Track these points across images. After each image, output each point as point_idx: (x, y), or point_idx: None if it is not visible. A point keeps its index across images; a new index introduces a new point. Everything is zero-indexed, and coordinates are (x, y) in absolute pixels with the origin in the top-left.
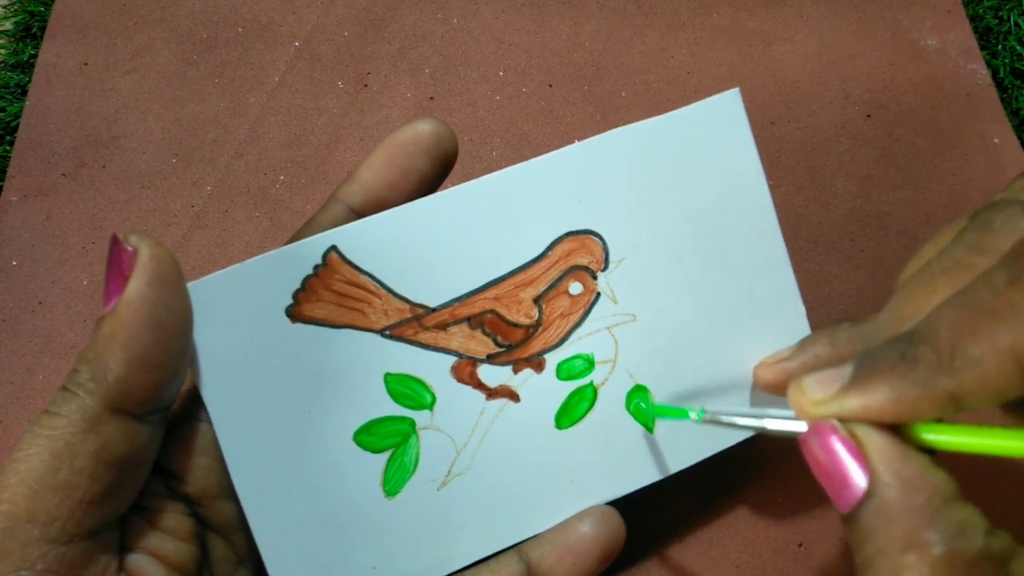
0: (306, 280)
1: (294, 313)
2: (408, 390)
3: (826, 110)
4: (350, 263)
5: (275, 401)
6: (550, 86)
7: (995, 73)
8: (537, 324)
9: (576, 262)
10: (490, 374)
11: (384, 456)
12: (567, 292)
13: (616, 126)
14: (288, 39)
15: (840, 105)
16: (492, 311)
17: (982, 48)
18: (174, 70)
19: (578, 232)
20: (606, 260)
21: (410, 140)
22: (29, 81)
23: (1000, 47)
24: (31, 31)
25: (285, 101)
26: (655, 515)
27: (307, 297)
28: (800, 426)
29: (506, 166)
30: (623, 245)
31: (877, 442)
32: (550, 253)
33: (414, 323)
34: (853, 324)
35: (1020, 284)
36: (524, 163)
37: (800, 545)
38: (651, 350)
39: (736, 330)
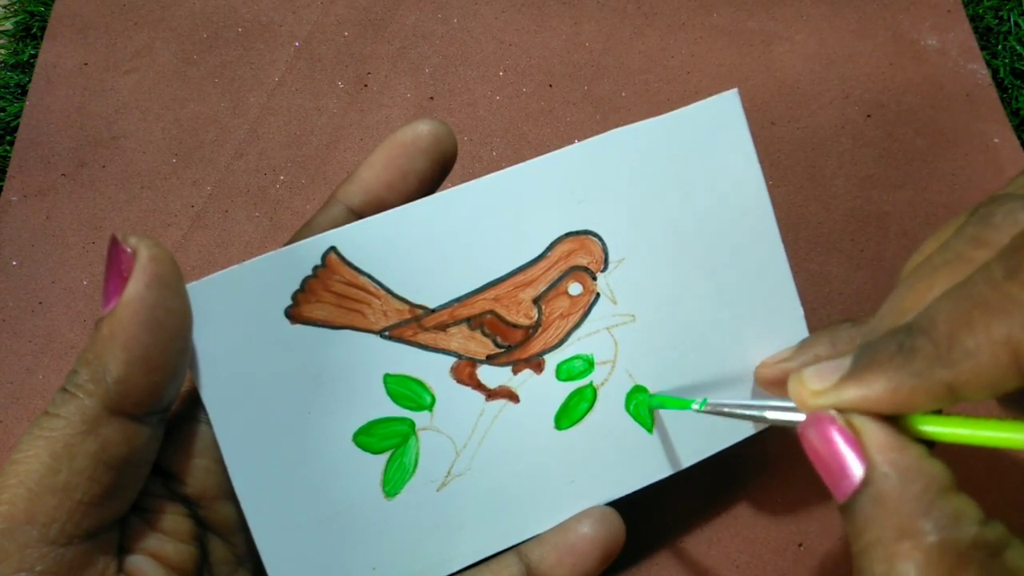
0: (305, 281)
1: (293, 314)
2: (408, 391)
3: (826, 110)
4: (349, 264)
5: (274, 402)
6: (550, 86)
7: (995, 73)
8: (537, 325)
9: (576, 263)
10: (490, 375)
11: (384, 457)
12: (567, 293)
13: (616, 126)
14: (288, 39)
15: (840, 105)
16: (492, 312)
17: (982, 48)
18: (174, 70)
19: (577, 233)
20: (605, 261)
21: (409, 141)
22: (29, 81)
23: (1000, 47)
24: (31, 31)
25: (285, 101)
26: (655, 515)
27: (306, 298)
28: (800, 416)
29: (506, 166)
30: (622, 246)
31: (874, 432)
32: (550, 254)
33: (413, 324)
34: (854, 324)
35: (1017, 277)
36: (523, 164)
37: (800, 545)
38: (650, 350)
39: (734, 330)
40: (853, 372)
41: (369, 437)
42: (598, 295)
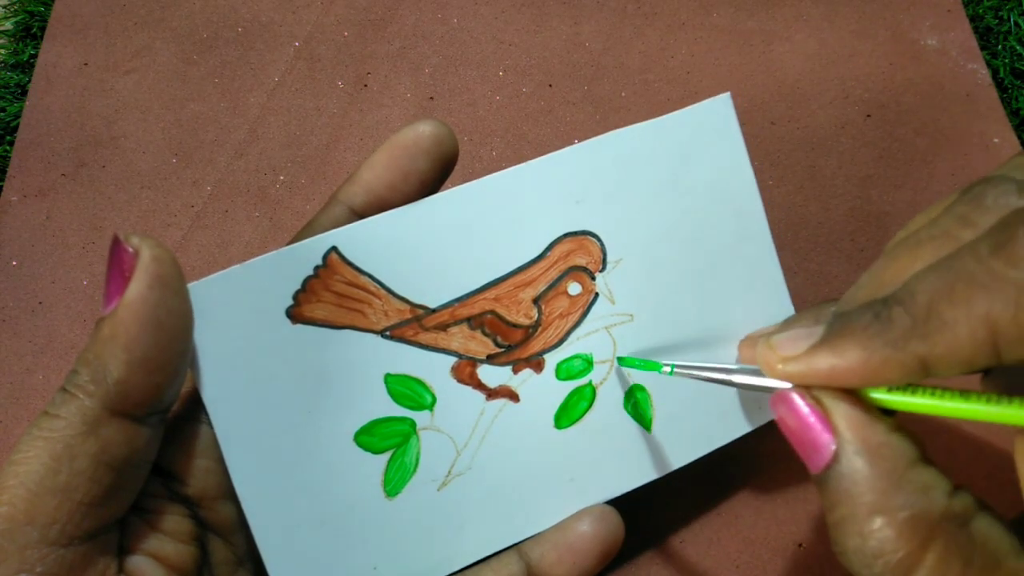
0: (306, 281)
1: (294, 314)
2: (408, 391)
3: (826, 110)
4: (350, 264)
5: (275, 402)
6: (550, 86)
7: (995, 73)
8: (536, 324)
9: (575, 263)
10: (490, 374)
11: (384, 457)
12: (566, 292)
13: (616, 126)
14: (288, 39)
15: (840, 105)
16: (492, 312)
17: (982, 48)
18: (174, 70)
19: (576, 233)
20: (604, 261)
21: (411, 142)
22: (29, 81)
23: (1000, 47)
24: (31, 31)
25: (285, 101)
26: (655, 515)
27: (307, 298)
28: (767, 383)
29: (506, 166)
30: (620, 246)
31: (842, 409)
32: (549, 254)
33: (414, 324)
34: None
35: (1002, 254)
36: (523, 164)
37: (800, 545)
38: (648, 349)
39: (729, 329)
40: (825, 340)
41: (370, 437)
42: (597, 295)
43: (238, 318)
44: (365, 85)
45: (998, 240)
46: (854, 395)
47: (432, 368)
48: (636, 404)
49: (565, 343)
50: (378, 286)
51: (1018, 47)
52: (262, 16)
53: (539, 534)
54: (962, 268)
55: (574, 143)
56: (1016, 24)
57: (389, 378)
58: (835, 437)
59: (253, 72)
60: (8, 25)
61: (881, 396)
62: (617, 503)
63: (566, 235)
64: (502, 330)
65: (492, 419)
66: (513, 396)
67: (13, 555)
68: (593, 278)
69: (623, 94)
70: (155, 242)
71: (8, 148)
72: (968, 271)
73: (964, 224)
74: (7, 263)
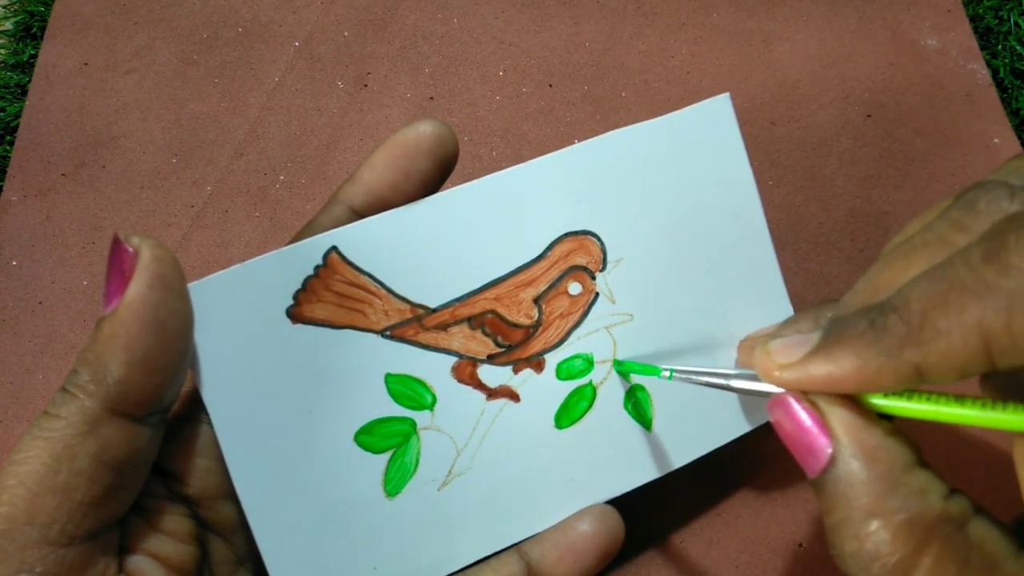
0: (307, 281)
1: (295, 314)
2: (409, 390)
3: (826, 110)
4: (351, 264)
5: (276, 402)
6: (550, 86)
7: (995, 73)
8: (537, 324)
9: (575, 262)
10: (490, 374)
11: (385, 456)
12: (566, 292)
13: (616, 126)
14: (288, 39)
15: (840, 105)
16: (492, 311)
17: (982, 48)
18: (174, 70)
19: (577, 233)
20: (604, 260)
21: (411, 142)
22: (29, 81)
23: (1000, 47)
24: (31, 31)
25: (285, 101)
26: (655, 515)
27: (308, 298)
28: (764, 388)
29: (506, 166)
30: (620, 245)
31: (839, 413)
32: (549, 253)
33: (415, 323)
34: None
35: (994, 261)
36: (523, 164)
37: (800, 545)
38: (648, 349)
39: (728, 329)
40: (821, 347)
41: (370, 436)
42: (597, 294)
43: (238, 318)
44: (365, 85)
45: (989, 248)
46: (850, 399)
47: (432, 368)
48: (637, 404)
49: (566, 343)
50: (378, 286)
51: (1018, 47)
52: (262, 16)
53: (539, 534)
54: (955, 276)
55: (574, 143)
56: (1016, 24)
57: (389, 378)
58: (831, 441)
59: (253, 72)
60: (8, 25)
61: (878, 401)
62: (617, 503)
63: (566, 235)
64: (502, 330)
65: (492, 419)
66: (513, 396)
67: (13, 555)
68: (593, 278)
69: (623, 94)
70: (155, 242)
71: (8, 148)
72: (960, 279)
73: (958, 229)
74: (7, 263)
